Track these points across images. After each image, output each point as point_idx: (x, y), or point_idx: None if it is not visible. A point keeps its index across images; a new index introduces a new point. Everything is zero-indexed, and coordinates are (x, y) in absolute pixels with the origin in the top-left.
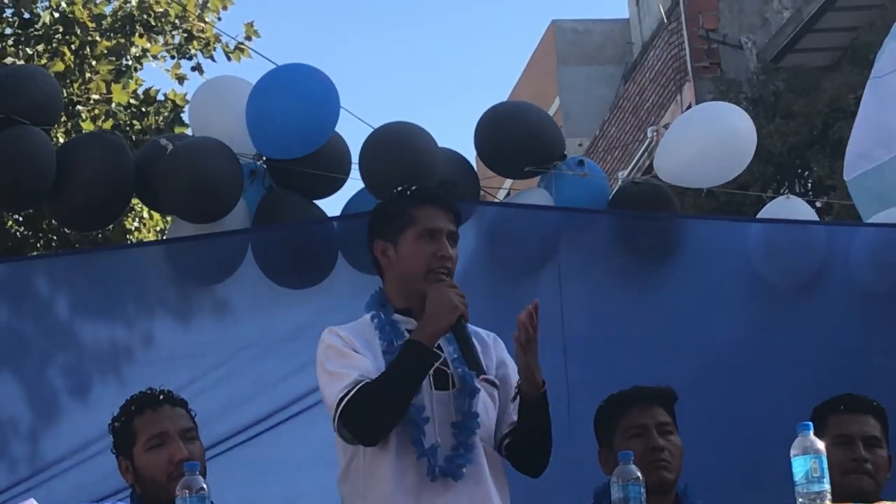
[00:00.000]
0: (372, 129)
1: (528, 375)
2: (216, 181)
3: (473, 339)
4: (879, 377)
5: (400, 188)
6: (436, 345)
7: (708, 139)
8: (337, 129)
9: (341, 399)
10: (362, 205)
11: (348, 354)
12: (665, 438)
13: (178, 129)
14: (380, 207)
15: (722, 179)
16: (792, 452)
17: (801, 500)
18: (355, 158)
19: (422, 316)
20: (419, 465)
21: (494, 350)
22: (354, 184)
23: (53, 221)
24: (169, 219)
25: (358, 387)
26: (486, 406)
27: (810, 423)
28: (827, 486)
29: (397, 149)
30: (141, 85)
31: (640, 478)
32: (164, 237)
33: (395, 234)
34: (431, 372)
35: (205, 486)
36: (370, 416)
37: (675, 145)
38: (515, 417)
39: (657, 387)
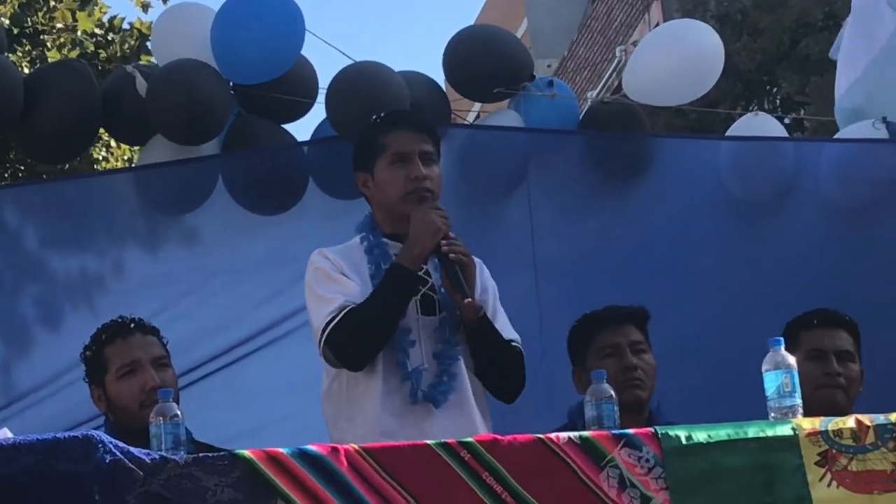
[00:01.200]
0: (338, 51)
1: (459, 301)
2: (208, 101)
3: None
4: (849, 292)
5: (374, 117)
6: (423, 270)
7: (676, 57)
8: (304, 54)
9: (327, 324)
10: (332, 130)
11: (336, 278)
12: (638, 357)
13: (144, 58)
14: (357, 139)
15: (691, 97)
16: (763, 368)
17: (773, 414)
18: (323, 83)
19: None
20: (403, 388)
21: (479, 277)
22: (323, 108)
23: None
24: (137, 149)
25: (344, 312)
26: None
27: (781, 339)
28: (798, 401)
29: (363, 90)
30: (106, 13)
31: (614, 396)
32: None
33: (371, 163)
34: (418, 297)
35: (179, 412)
36: (355, 340)
37: (644, 64)
38: None
39: (630, 306)
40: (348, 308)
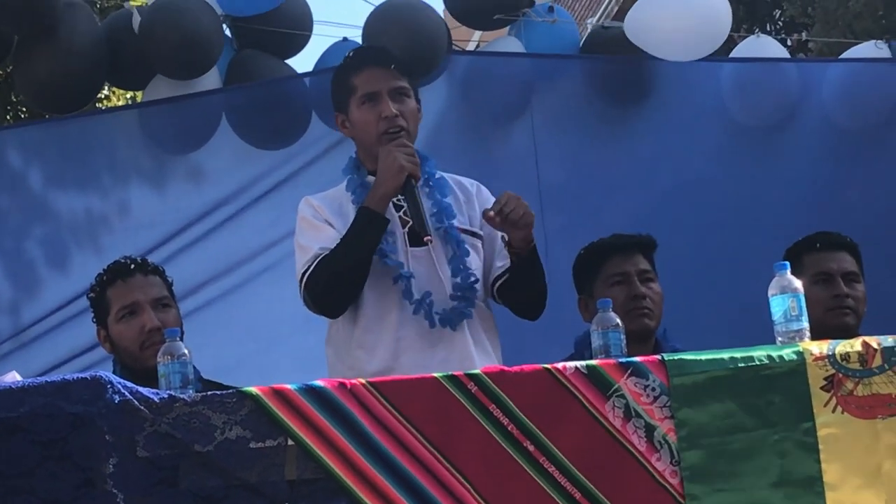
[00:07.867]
0: None
1: (516, 242)
2: (200, 33)
3: (443, 192)
4: (853, 212)
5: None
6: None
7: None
8: None
9: (303, 273)
10: (333, 61)
11: (317, 226)
12: (646, 286)
13: None
14: (332, 80)
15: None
16: (769, 292)
17: (780, 339)
18: (317, 16)
19: None
20: (417, 320)
21: (477, 199)
22: (320, 42)
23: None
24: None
25: (317, 260)
26: (472, 258)
27: (787, 263)
28: (806, 324)
29: (402, 27)
30: None
31: (620, 325)
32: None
33: (345, 105)
34: (405, 230)
35: (186, 351)
36: (328, 287)
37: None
38: (501, 263)
39: (637, 234)
40: (321, 256)
